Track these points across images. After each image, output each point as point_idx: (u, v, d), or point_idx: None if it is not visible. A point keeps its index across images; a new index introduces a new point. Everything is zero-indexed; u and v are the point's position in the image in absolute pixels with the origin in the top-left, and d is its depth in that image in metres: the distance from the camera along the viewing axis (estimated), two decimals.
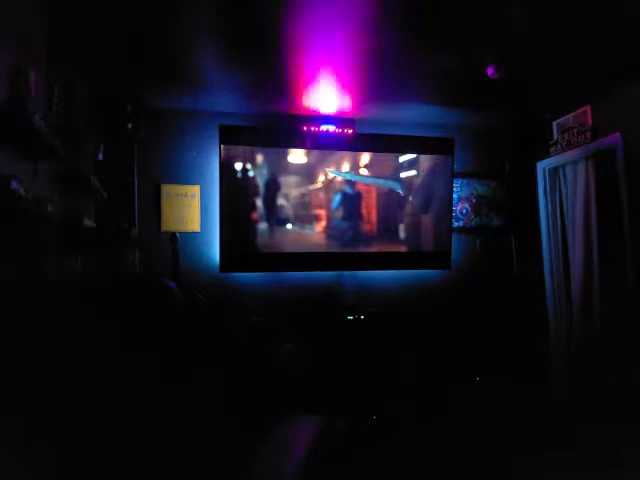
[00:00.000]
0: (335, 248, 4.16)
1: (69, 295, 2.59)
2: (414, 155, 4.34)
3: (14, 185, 1.71)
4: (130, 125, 3.65)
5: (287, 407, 3.19)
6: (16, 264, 1.90)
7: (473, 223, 4.65)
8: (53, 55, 2.40)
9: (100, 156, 3.44)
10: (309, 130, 4.18)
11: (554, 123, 4.32)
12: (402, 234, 4.34)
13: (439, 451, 3.24)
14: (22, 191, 1.76)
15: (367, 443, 3.34)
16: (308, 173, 4.14)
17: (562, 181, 4.35)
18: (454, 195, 4.47)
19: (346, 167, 4.20)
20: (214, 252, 3.96)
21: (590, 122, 3.91)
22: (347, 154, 4.22)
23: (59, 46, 2.51)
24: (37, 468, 1.85)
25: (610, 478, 2.79)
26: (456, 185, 4.51)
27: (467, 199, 4.64)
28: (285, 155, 4.07)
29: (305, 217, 4.14)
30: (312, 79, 3.53)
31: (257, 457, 2.28)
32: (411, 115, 4.36)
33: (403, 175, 4.33)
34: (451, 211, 4.42)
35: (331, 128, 4.22)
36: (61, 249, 2.51)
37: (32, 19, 2.22)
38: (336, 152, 4.20)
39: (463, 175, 4.60)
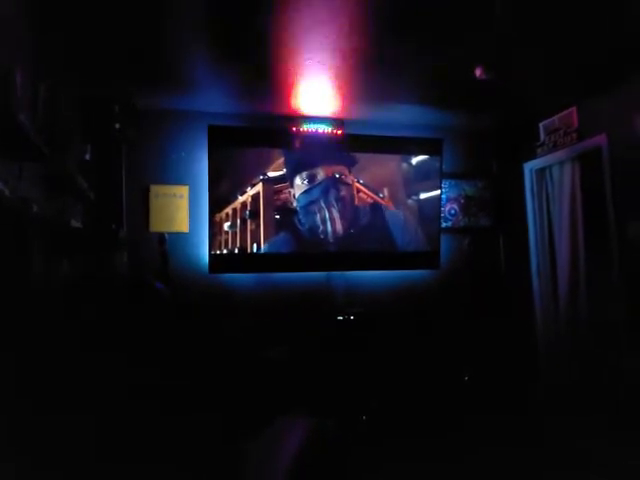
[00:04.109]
0: (325, 248, 4.16)
1: (55, 297, 2.56)
2: None
3: None
4: (118, 125, 3.61)
5: (277, 407, 3.19)
6: (1, 265, 1.88)
7: (461, 223, 4.68)
8: (40, 55, 2.38)
9: (87, 156, 3.41)
10: (298, 131, 4.18)
11: (540, 124, 4.37)
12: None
13: (428, 450, 3.26)
14: (7, 192, 1.74)
15: (357, 443, 3.35)
16: None
17: (549, 181, 4.41)
18: (443, 196, 4.50)
19: None
20: (203, 253, 3.94)
21: (576, 123, 3.96)
22: None
23: (46, 46, 2.49)
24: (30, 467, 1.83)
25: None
26: (444, 186, 4.54)
27: (455, 200, 4.68)
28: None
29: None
30: (301, 80, 3.53)
31: (248, 458, 2.27)
32: (400, 116, 4.38)
33: None
34: (440, 212, 4.45)
35: (320, 129, 4.23)
36: (47, 250, 2.48)
37: (19, 19, 2.19)
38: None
39: (451, 176, 4.63)
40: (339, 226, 4.12)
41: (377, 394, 3.80)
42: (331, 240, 4.12)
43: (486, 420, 3.62)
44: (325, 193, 4.08)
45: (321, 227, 4.09)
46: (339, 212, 4.12)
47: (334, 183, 4.12)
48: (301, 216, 4.05)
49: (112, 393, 2.48)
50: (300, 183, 4.06)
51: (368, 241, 4.25)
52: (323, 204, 4.09)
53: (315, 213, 4.08)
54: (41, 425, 1.95)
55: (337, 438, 2.60)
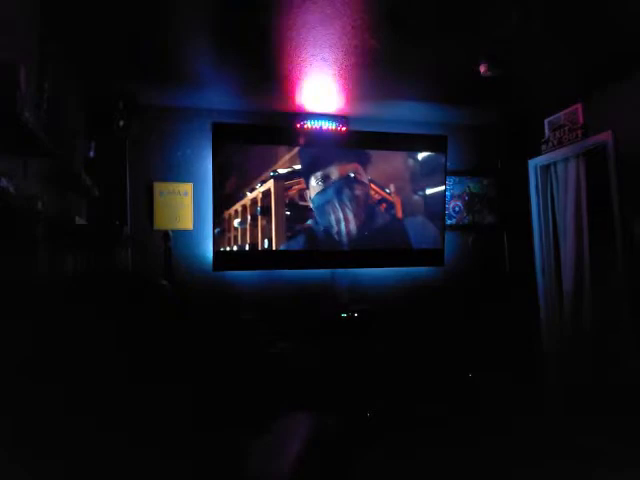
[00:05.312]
0: (329, 246, 4.16)
1: (60, 293, 2.57)
2: None
3: (3, 183, 1.69)
4: (122, 122, 3.62)
5: (282, 405, 3.19)
6: (6, 262, 1.89)
7: (466, 220, 4.67)
8: (44, 51, 2.38)
9: (91, 153, 3.42)
10: (302, 128, 4.17)
11: (545, 121, 4.35)
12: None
13: (432, 447, 3.27)
14: (12, 189, 1.75)
15: (362, 439, 3.35)
16: None
17: (553, 178, 4.38)
18: (447, 193, 4.48)
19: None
20: (207, 250, 3.95)
21: (581, 120, 3.94)
22: None
23: (50, 42, 2.49)
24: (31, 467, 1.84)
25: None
26: (449, 183, 4.53)
27: (460, 197, 4.66)
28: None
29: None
30: (306, 77, 3.52)
31: (251, 455, 2.28)
32: (404, 113, 4.36)
33: None
34: (444, 209, 4.44)
35: (325, 126, 4.22)
36: (52, 247, 2.49)
37: (23, 15, 2.19)
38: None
39: (456, 173, 4.62)
40: (353, 226, 4.13)
41: (381, 391, 3.79)
42: (345, 241, 4.14)
43: (489, 419, 3.62)
44: (339, 193, 4.09)
45: (335, 228, 4.10)
46: (353, 212, 4.13)
47: (348, 182, 4.12)
48: (317, 216, 4.07)
49: (114, 392, 2.49)
50: (315, 184, 4.07)
51: (379, 240, 4.25)
52: (337, 204, 4.10)
53: (330, 214, 4.08)
54: (42, 424, 1.96)
55: (340, 435, 2.61)
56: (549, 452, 3.17)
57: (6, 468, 1.67)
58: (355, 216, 4.16)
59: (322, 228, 4.09)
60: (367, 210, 4.21)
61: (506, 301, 4.50)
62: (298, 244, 4.05)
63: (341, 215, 4.10)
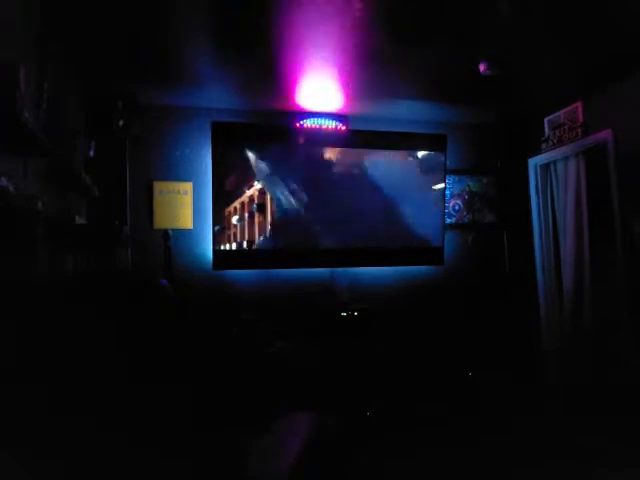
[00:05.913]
0: (329, 244, 4.16)
1: (60, 293, 2.57)
2: None
3: (3, 183, 1.69)
4: (122, 122, 3.62)
5: (281, 404, 3.19)
6: (6, 262, 1.89)
7: (465, 219, 4.66)
8: (44, 51, 2.38)
9: (91, 153, 3.42)
10: (302, 127, 4.17)
11: (545, 120, 4.35)
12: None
13: (432, 447, 3.27)
14: (12, 188, 1.75)
15: (362, 439, 3.35)
16: None
17: (553, 177, 4.38)
18: (447, 191, 4.48)
19: None
20: (207, 249, 3.95)
21: (581, 118, 3.94)
22: None
23: (50, 42, 2.49)
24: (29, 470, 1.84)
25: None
26: (449, 181, 4.53)
27: (460, 195, 4.66)
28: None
29: None
30: (305, 76, 3.52)
31: (251, 455, 2.28)
32: (404, 112, 4.36)
33: None
34: (444, 207, 4.43)
35: (324, 124, 4.22)
36: (52, 247, 2.49)
37: (23, 15, 2.19)
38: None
39: (456, 172, 4.61)
40: (329, 242, 4.11)
41: (381, 391, 3.80)
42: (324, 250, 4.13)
43: (489, 419, 3.62)
44: (308, 205, 4.06)
45: (305, 244, 4.09)
46: (328, 226, 4.10)
47: (318, 189, 4.09)
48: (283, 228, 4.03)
49: (114, 391, 2.49)
50: (280, 195, 4.01)
51: (371, 240, 4.26)
52: (305, 218, 4.07)
53: (297, 230, 4.09)
54: (42, 424, 1.96)
55: (340, 435, 2.61)
56: (549, 452, 3.17)
57: (6, 468, 1.67)
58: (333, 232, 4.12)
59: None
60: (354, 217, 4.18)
61: (506, 300, 4.50)
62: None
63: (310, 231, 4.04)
